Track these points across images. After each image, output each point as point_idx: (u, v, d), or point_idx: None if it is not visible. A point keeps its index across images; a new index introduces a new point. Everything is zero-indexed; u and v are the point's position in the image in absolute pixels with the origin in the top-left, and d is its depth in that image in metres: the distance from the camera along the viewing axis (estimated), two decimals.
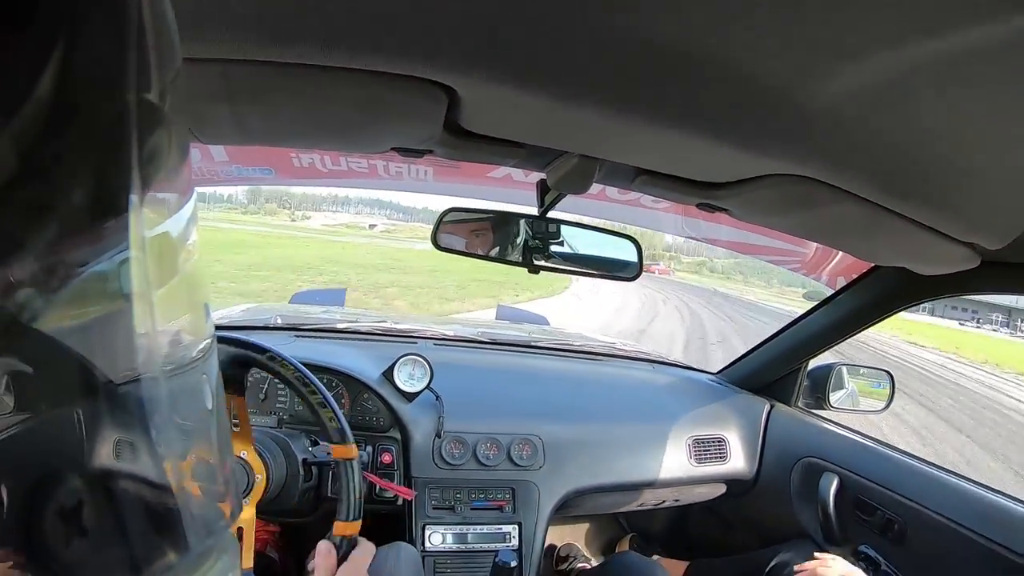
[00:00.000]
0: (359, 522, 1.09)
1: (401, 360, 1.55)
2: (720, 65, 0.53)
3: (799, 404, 1.84)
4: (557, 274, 1.14)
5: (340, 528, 1.08)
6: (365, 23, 0.52)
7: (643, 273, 1.17)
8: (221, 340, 1.10)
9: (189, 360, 0.28)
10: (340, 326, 1.97)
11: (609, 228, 1.17)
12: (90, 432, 0.23)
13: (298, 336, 1.83)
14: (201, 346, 0.29)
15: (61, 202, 0.20)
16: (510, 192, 2.25)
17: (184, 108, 0.27)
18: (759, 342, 1.90)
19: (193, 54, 0.57)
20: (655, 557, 1.95)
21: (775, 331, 1.83)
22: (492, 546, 1.48)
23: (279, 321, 1.93)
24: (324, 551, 0.98)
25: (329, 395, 1.09)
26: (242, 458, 1.09)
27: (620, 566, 1.56)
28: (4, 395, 0.22)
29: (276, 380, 1.49)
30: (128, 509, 0.24)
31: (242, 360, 1.09)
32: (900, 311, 1.43)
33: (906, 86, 0.52)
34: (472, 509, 1.51)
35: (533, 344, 2.13)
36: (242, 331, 1.76)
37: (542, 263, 1.10)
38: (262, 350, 1.09)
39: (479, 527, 1.50)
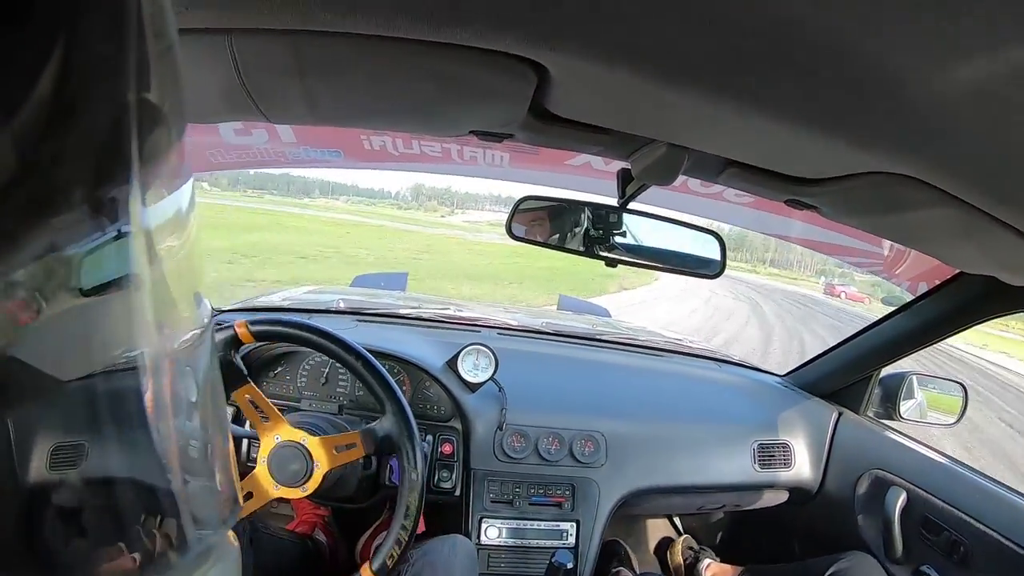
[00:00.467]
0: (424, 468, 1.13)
1: (466, 349, 1.54)
2: (831, 52, 0.49)
3: (868, 413, 1.77)
4: (637, 268, 1.10)
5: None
6: None
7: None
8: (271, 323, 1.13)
9: (188, 357, 0.28)
10: (403, 312, 1.96)
11: (692, 222, 1.12)
12: (90, 431, 0.23)
13: (360, 321, 1.83)
14: (198, 337, 0.29)
15: (61, 201, 0.20)
16: (589, 181, 2.19)
17: (182, 106, 0.26)
18: (830, 346, 1.83)
19: (261, 25, 0.56)
20: (707, 562, 1.91)
21: (848, 335, 1.76)
22: (548, 543, 1.46)
23: (341, 305, 1.94)
24: None
25: (378, 364, 1.12)
26: (302, 445, 1.10)
27: None
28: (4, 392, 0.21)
29: (337, 364, 1.50)
30: (128, 509, 0.24)
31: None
32: (984, 322, 1.36)
33: (1022, 86, 0.48)
34: (531, 504, 1.49)
35: (597, 337, 2.09)
36: (305, 314, 1.78)
37: (620, 256, 1.07)
38: (334, 339, 1.12)
39: (536, 523, 1.48)
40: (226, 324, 1.14)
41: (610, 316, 2.79)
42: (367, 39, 0.56)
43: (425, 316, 1.95)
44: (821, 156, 0.73)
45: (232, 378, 1.12)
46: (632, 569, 1.86)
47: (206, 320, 0.30)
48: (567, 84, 0.63)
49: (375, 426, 1.15)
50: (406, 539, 1.09)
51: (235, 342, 1.13)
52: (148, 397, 0.24)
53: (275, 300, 2.06)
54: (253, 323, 1.13)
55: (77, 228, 0.21)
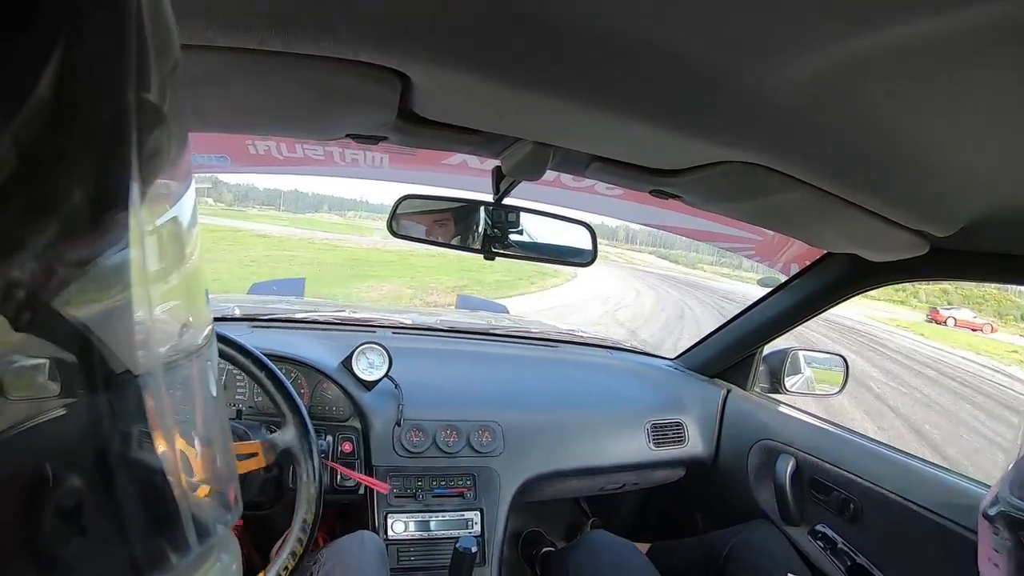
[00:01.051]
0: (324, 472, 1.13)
1: (359, 349, 1.54)
2: (667, 53, 0.53)
3: (756, 389, 1.87)
4: (513, 260, 1.15)
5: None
6: (316, 7, 0.52)
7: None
8: None
9: (188, 357, 0.28)
10: (298, 316, 1.94)
11: (564, 215, 1.19)
12: (90, 431, 0.23)
13: (256, 327, 1.80)
14: (200, 340, 0.29)
15: (61, 201, 0.20)
16: (466, 179, 2.24)
17: (184, 104, 0.26)
18: (715, 328, 1.94)
19: None
20: None
21: (730, 317, 1.86)
22: (455, 533, 1.49)
23: (237, 312, 1.90)
24: None
25: (278, 371, 1.11)
26: None
27: (591, 545, 1.57)
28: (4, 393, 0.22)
29: (236, 370, 1.48)
30: (129, 509, 0.24)
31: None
32: (852, 297, 1.47)
33: (854, 77, 0.53)
34: (434, 496, 1.52)
35: (491, 332, 2.13)
36: None
37: (499, 250, 1.11)
38: (236, 345, 1.10)
39: (441, 514, 1.51)
40: None
41: (507, 312, 2.85)
42: (244, 51, 0.58)
43: (320, 319, 1.93)
44: (673, 149, 0.78)
45: None
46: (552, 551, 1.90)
47: (209, 322, 0.30)
48: (430, 89, 0.66)
49: (276, 437, 1.14)
50: (301, 551, 1.10)
51: None
52: (149, 397, 0.24)
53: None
54: None
55: (77, 228, 0.21)
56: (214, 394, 0.31)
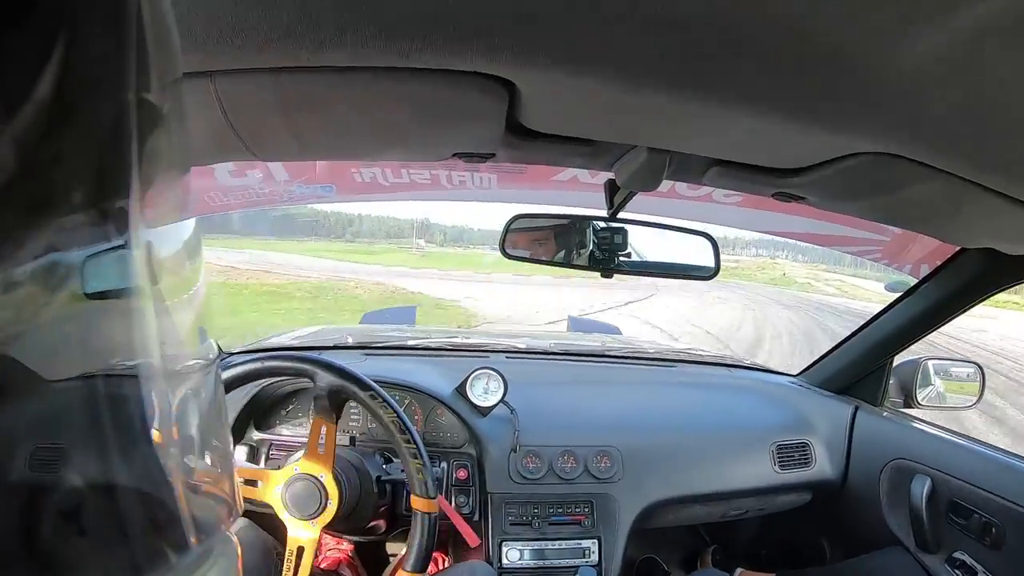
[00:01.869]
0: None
1: (474, 374, 1.54)
2: (787, 36, 0.50)
3: (886, 404, 1.74)
4: (634, 277, 1.10)
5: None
6: (414, 19, 0.50)
7: None
8: (326, 367, 1.14)
9: (189, 358, 0.28)
10: (411, 343, 1.97)
11: (682, 226, 1.13)
12: (90, 431, 0.23)
13: (368, 355, 1.84)
14: (202, 342, 0.29)
15: (61, 202, 0.20)
16: (578, 195, 2.21)
17: (184, 112, 0.26)
18: (840, 340, 1.82)
19: (241, 65, 0.57)
20: (738, 571, 1.88)
21: (856, 328, 1.74)
22: (571, 562, 1.45)
23: (350, 340, 1.95)
24: None
25: (421, 445, 1.11)
26: (319, 480, 1.11)
27: None
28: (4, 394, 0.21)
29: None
30: (128, 509, 0.24)
31: (342, 392, 1.12)
32: (990, 296, 1.35)
33: (991, 46, 0.47)
34: (550, 524, 1.48)
35: (606, 354, 2.09)
36: (312, 351, 1.79)
37: (614, 266, 1.08)
38: (365, 386, 1.11)
39: (558, 542, 1.47)
40: (238, 362, 1.15)
41: (620, 333, 2.79)
42: (342, 71, 0.58)
43: (432, 345, 1.95)
44: (799, 144, 0.73)
45: (329, 414, 1.14)
46: None
47: (209, 321, 0.30)
48: (538, 98, 0.64)
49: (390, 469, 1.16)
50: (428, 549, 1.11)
51: (246, 378, 1.15)
52: (149, 398, 0.24)
53: (284, 340, 2.07)
54: (267, 358, 1.15)
55: (77, 229, 0.21)
56: (217, 394, 0.31)
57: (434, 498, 1.11)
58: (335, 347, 1.89)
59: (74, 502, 0.22)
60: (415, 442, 1.10)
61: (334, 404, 1.13)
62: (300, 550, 1.10)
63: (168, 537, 0.25)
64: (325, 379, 1.12)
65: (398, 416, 1.11)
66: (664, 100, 0.61)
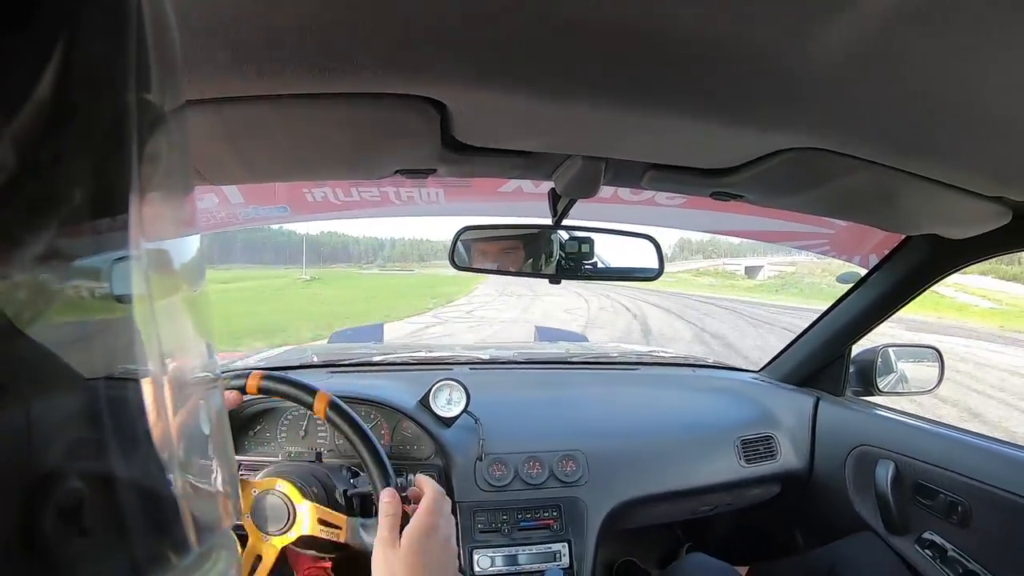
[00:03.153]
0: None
1: (437, 386, 1.54)
2: (706, 40, 0.51)
3: (847, 393, 1.77)
4: (581, 282, 1.13)
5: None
6: (341, 47, 0.52)
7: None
8: (278, 380, 1.12)
9: (190, 360, 0.28)
10: (376, 359, 1.97)
11: (625, 229, 1.16)
12: (90, 431, 0.23)
13: (333, 372, 1.83)
14: (203, 344, 0.29)
15: (61, 202, 0.20)
16: (523, 205, 2.25)
17: (184, 117, 0.26)
18: (798, 334, 1.86)
19: (187, 96, 0.58)
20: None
21: (811, 321, 1.78)
22: (543, 566, 1.45)
23: (315, 359, 1.94)
24: (387, 498, 0.93)
25: (377, 443, 1.09)
26: (280, 491, 1.09)
27: (688, 569, 1.52)
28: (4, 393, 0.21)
29: (315, 417, 1.50)
30: (129, 509, 0.24)
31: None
32: (940, 280, 1.39)
33: (902, 33, 0.49)
34: (520, 530, 1.48)
35: (569, 360, 2.10)
36: (282, 371, 1.76)
37: (563, 272, 1.10)
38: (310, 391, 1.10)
39: (528, 547, 1.47)
40: (239, 373, 1.13)
41: (586, 340, 2.82)
42: (278, 100, 0.59)
43: (397, 361, 1.95)
44: (728, 144, 0.75)
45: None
46: None
47: (210, 324, 0.30)
48: (469, 115, 0.66)
49: (366, 527, 1.12)
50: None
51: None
52: (150, 399, 0.24)
53: (251, 362, 2.06)
54: (266, 377, 1.13)
55: (77, 229, 0.21)
56: (218, 395, 0.31)
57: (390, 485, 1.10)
58: (300, 366, 1.88)
59: (75, 502, 0.22)
60: (367, 436, 1.10)
61: None
62: (258, 558, 1.08)
63: (169, 537, 0.25)
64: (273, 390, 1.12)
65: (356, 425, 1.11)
66: (589, 110, 0.63)
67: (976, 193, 0.85)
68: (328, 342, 2.77)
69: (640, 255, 1.15)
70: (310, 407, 1.12)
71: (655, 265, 1.14)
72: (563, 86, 0.58)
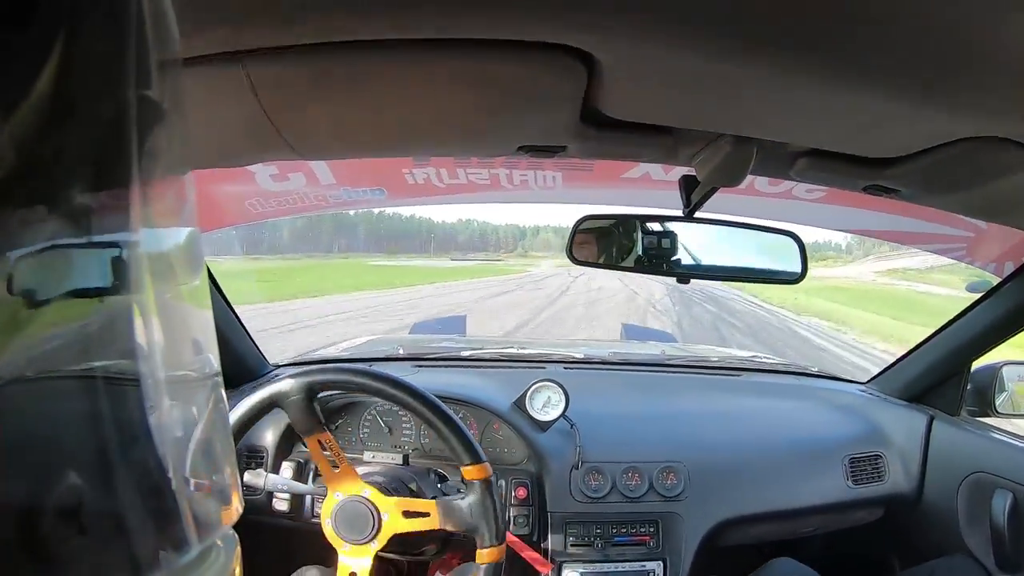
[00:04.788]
0: (503, 546, 1.04)
1: (534, 387, 1.49)
2: (890, 10, 0.45)
3: (963, 412, 1.65)
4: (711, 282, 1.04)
5: (484, 556, 1.03)
6: None
7: None
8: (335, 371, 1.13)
9: (190, 358, 0.29)
10: (464, 354, 1.95)
11: (764, 224, 1.06)
12: (90, 429, 0.23)
13: (420, 366, 1.81)
14: (203, 344, 0.29)
15: (61, 198, 0.20)
16: (650, 194, 2.12)
17: (185, 108, 0.26)
18: (914, 345, 1.73)
19: (273, 42, 0.52)
20: None
21: (932, 331, 1.66)
22: None
23: (401, 351, 1.93)
24: None
25: (453, 414, 1.07)
26: (365, 498, 1.07)
27: (777, 571, 1.48)
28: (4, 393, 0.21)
29: (399, 410, 1.50)
30: (129, 509, 0.24)
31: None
32: None
33: None
34: (613, 545, 1.42)
35: (668, 363, 2.04)
36: (365, 362, 1.79)
37: (692, 270, 1.02)
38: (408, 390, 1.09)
39: (621, 564, 1.41)
40: (301, 372, 1.13)
41: (676, 340, 2.73)
42: (384, 45, 0.51)
43: (487, 356, 1.92)
44: (903, 129, 0.68)
45: (306, 424, 1.11)
46: None
47: (210, 324, 0.30)
48: (622, 76, 0.58)
49: (457, 501, 1.10)
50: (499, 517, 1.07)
51: (311, 389, 1.12)
52: (150, 397, 0.24)
53: (332, 352, 2.08)
54: (322, 371, 1.13)
55: (77, 225, 0.21)
56: (217, 394, 0.31)
57: (484, 462, 1.08)
58: (386, 359, 1.88)
59: (74, 501, 0.22)
60: (440, 409, 1.07)
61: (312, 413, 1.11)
62: (352, 575, 1.06)
63: (169, 536, 0.25)
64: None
65: (422, 396, 1.08)
66: (765, 79, 0.56)
67: None
68: (409, 332, 2.80)
69: (779, 254, 1.05)
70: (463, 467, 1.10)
71: (797, 267, 1.04)
72: (734, 49, 0.51)
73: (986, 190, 0.81)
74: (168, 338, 0.25)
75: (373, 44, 0.51)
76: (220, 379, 0.31)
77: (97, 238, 0.22)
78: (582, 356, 2.00)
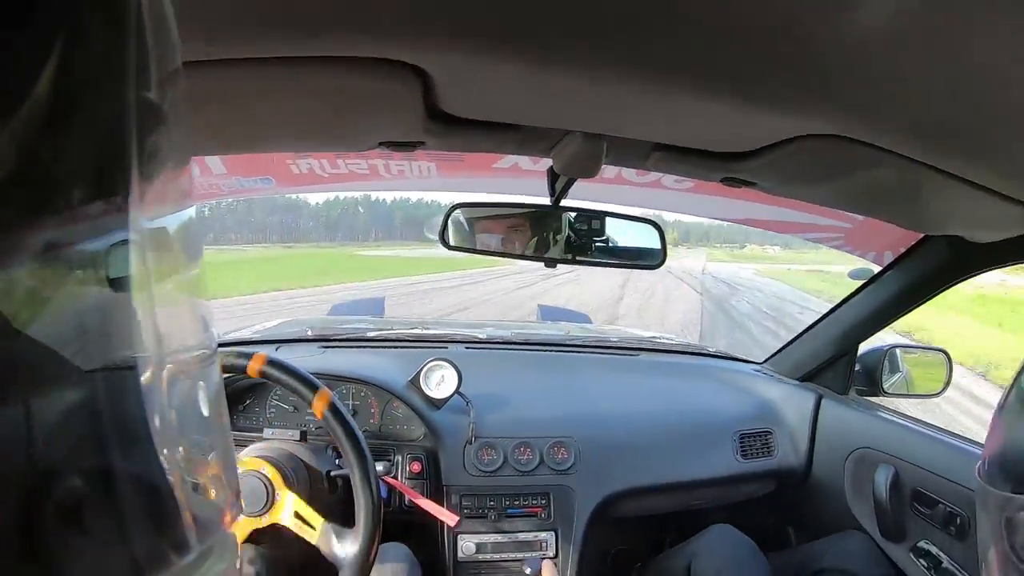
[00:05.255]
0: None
1: (428, 366, 1.52)
2: (723, 11, 0.47)
3: (852, 392, 1.74)
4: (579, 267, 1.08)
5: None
6: (314, 7, 0.48)
7: None
8: (282, 368, 1.12)
9: (190, 358, 0.28)
10: (370, 334, 1.96)
11: (629, 213, 1.11)
12: (89, 427, 0.23)
13: (327, 347, 1.82)
14: (203, 342, 0.29)
15: (60, 199, 0.20)
16: (520, 183, 2.19)
17: (185, 107, 0.26)
18: (804, 328, 1.82)
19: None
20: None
21: (821, 315, 1.74)
22: (528, 554, 1.45)
23: (309, 333, 1.93)
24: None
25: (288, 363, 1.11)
26: (264, 475, 1.08)
27: (718, 538, 1.54)
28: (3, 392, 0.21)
29: None
30: (128, 509, 0.24)
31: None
32: (956, 284, 1.33)
33: (943, 16, 0.45)
34: (507, 517, 1.47)
35: (568, 343, 2.08)
36: (273, 344, 1.79)
37: (559, 256, 1.05)
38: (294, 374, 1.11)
39: (514, 535, 1.47)
40: (242, 353, 1.13)
41: (590, 322, 2.80)
42: (250, 63, 0.55)
43: (392, 337, 1.93)
44: (746, 126, 0.71)
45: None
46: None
47: (212, 324, 0.30)
48: (453, 82, 0.61)
49: (339, 545, 1.09)
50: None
51: (238, 373, 1.13)
52: (149, 394, 0.24)
53: (246, 334, 2.05)
54: (270, 362, 1.12)
55: (77, 225, 0.21)
56: (217, 394, 0.30)
57: (321, 388, 1.11)
58: (294, 340, 1.87)
59: (73, 501, 0.22)
60: (276, 362, 1.10)
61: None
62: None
63: (168, 536, 0.25)
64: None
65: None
66: (589, 83, 0.58)
67: (1007, 196, 0.81)
68: (328, 314, 2.76)
69: (643, 241, 1.11)
70: (309, 403, 1.10)
71: (658, 252, 1.10)
72: (559, 54, 0.53)
73: (840, 184, 0.85)
74: (168, 335, 0.25)
75: (236, 61, 0.55)
76: (220, 380, 0.31)
77: (97, 236, 0.22)
78: (484, 336, 2.03)
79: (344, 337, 1.92)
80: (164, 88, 0.23)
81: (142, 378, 0.23)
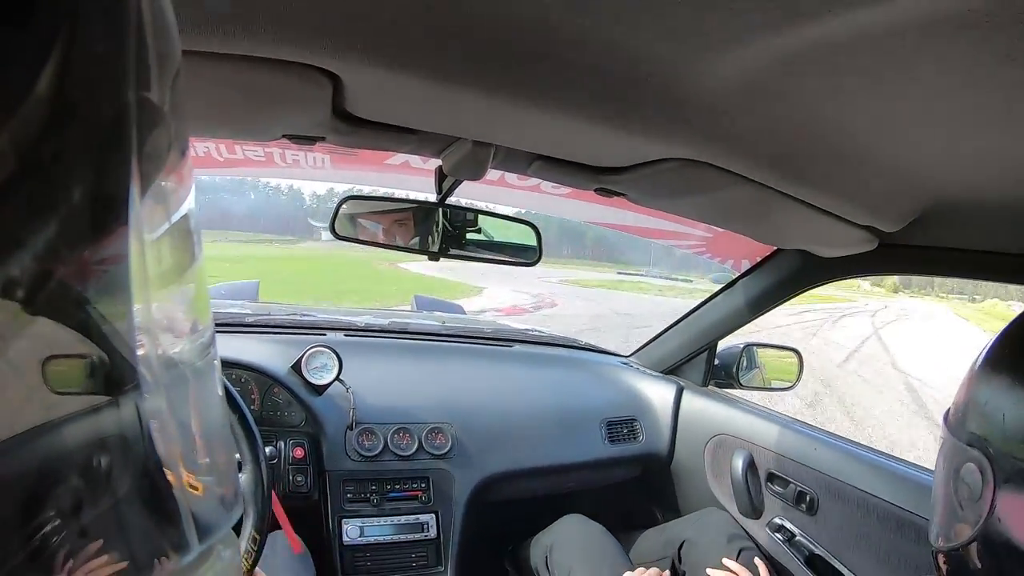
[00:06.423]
0: None
1: (309, 352, 1.52)
2: (603, 48, 0.53)
3: (711, 385, 1.88)
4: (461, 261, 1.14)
5: None
6: (240, 7, 0.50)
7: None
8: None
9: (189, 357, 0.28)
10: (249, 320, 1.90)
11: (509, 214, 1.18)
12: (90, 429, 0.23)
13: None
14: (202, 342, 0.29)
15: (60, 200, 0.20)
16: (410, 179, 2.23)
17: (185, 106, 0.26)
18: (668, 325, 1.95)
19: None
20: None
21: (683, 314, 1.88)
22: (410, 536, 1.49)
23: None
24: None
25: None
26: None
27: (566, 526, 1.62)
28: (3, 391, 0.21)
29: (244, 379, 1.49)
30: (129, 509, 0.24)
31: None
32: (804, 291, 1.49)
33: (790, 71, 0.53)
34: (389, 500, 1.51)
35: (444, 333, 2.12)
36: None
37: (442, 250, 1.10)
38: None
39: (396, 518, 1.50)
40: None
41: (464, 313, 2.83)
42: None
43: (271, 323, 1.90)
44: (615, 147, 0.77)
45: None
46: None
47: (211, 324, 0.30)
48: (361, 88, 0.65)
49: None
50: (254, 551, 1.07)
51: None
52: (149, 397, 0.24)
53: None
54: None
55: (77, 228, 0.20)
56: (216, 394, 0.31)
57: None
58: None
59: (74, 502, 0.22)
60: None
61: None
62: None
63: (169, 536, 0.25)
64: None
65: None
66: (485, 98, 0.63)
67: (846, 220, 0.91)
68: None
69: (522, 240, 1.18)
70: None
71: (534, 251, 1.18)
72: (455, 72, 0.59)
73: (700, 201, 0.92)
74: (167, 333, 0.25)
75: None
76: (220, 379, 0.31)
77: (96, 239, 0.22)
78: (363, 324, 2.04)
79: (221, 322, 1.84)
80: (164, 88, 0.23)
81: (141, 376, 0.23)
